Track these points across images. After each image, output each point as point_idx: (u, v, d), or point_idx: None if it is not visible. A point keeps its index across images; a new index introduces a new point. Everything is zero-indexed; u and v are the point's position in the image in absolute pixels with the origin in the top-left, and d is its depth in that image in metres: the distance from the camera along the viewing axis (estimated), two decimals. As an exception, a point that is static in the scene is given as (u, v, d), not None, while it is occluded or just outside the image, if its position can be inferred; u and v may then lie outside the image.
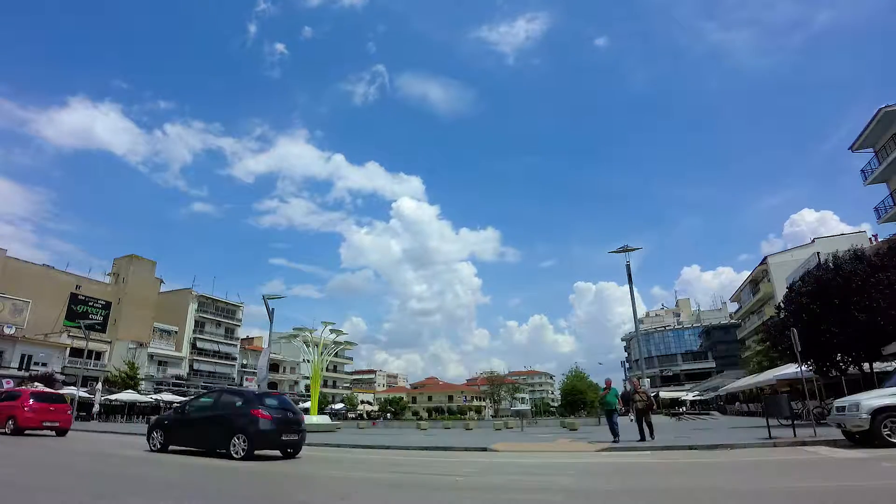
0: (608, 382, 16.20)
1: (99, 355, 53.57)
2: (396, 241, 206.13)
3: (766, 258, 54.14)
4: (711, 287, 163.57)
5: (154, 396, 47.26)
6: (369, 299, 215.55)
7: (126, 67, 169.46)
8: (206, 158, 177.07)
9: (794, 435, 13.20)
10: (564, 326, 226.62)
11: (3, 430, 16.65)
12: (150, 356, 58.92)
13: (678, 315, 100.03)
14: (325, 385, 73.28)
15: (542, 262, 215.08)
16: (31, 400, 17.34)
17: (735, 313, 74.41)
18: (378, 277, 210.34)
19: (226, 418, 11.31)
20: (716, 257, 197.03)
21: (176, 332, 63.47)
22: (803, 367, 17.64)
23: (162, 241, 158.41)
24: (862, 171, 35.35)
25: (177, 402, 49.54)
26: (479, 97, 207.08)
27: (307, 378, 65.13)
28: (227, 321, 72.59)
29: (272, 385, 73.33)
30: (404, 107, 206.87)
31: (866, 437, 10.65)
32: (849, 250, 19.56)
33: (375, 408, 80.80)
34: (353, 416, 67.33)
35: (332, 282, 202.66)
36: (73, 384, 38.57)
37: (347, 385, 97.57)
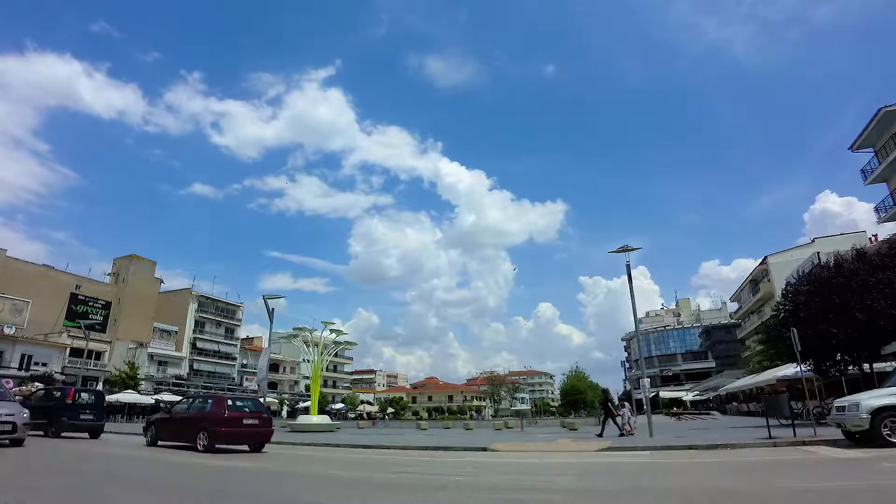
0: None
1: (99, 355, 53.55)
2: (424, 222, 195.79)
3: (765, 258, 54.12)
4: (731, 280, 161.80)
5: (154, 397, 47.24)
6: (385, 293, 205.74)
7: (110, 9, 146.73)
8: (208, 127, 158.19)
9: (794, 435, 13.22)
10: (577, 322, 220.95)
11: None
12: (150, 356, 58.92)
13: (678, 315, 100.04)
14: (324, 385, 73.21)
15: (555, 255, 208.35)
16: None
17: (735, 313, 74.39)
18: (401, 265, 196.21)
19: None
20: (735, 250, 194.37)
21: (176, 332, 63.47)
22: (803, 367, 17.65)
23: (159, 231, 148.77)
24: (862, 170, 35.33)
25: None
26: (485, 65, 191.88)
27: (307, 378, 65.11)
28: (227, 321, 72.58)
29: (272, 385, 73.34)
30: (421, 65, 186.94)
31: (866, 436, 10.66)
32: (850, 250, 19.56)
33: (375, 408, 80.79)
34: (353, 415, 67.34)
35: (345, 275, 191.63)
36: (73, 384, 38.54)
37: (347, 385, 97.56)
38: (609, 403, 19.75)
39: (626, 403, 21.53)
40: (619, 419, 18.66)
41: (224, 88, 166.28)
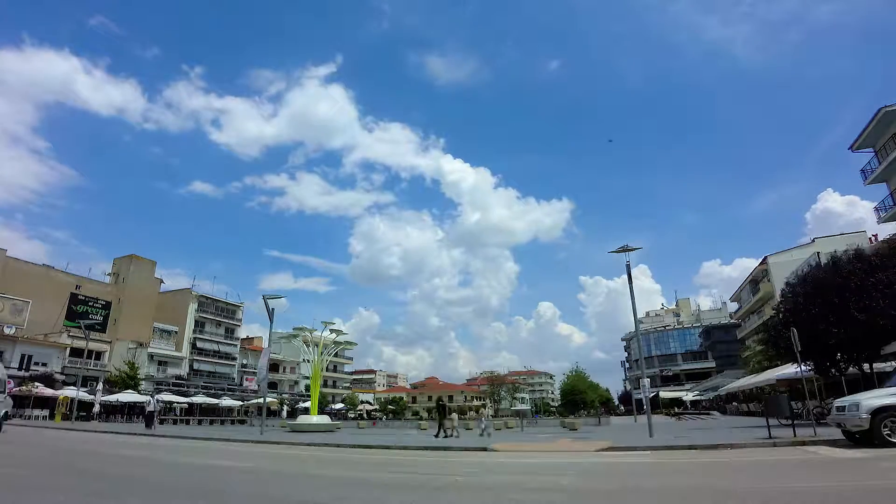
0: None
1: (99, 355, 53.52)
2: (425, 220, 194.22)
3: (765, 258, 54.10)
4: (732, 279, 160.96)
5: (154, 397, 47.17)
6: (386, 292, 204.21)
7: (108, 4, 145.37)
8: (208, 124, 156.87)
9: (794, 435, 13.21)
10: (577, 322, 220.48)
11: None
12: (151, 356, 58.87)
13: (678, 315, 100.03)
14: (325, 385, 73.23)
15: (556, 255, 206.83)
16: None
17: (735, 313, 74.39)
18: (403, 264, 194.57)
19: None
20: (737, 250, 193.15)
21: (176, 332, 63.42)
22: (803, 367, 17.65)
23: (159, 230, 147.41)
24: (862, 170, 35.33)
25: (177, 403, 49.56)
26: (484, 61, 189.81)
27: (307, 378, 65.11)
28: (227, 321, 72.53)
29: (272, 385, 73.31)
30: (423, 58, 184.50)
31: (866, 436, 10.66)
32: (847, 250, 19.53)
33: (376, 407, 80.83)
34: (354, 415, 67.33)
35: (345, 275, 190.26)
36: (74, 384, 38.55)
37: (347, 385, 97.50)
38: (442, 410, 23.23)
39: (484, 411, 24.62)
40: (447, 422, 21.48)
41: (224, 85, 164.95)
